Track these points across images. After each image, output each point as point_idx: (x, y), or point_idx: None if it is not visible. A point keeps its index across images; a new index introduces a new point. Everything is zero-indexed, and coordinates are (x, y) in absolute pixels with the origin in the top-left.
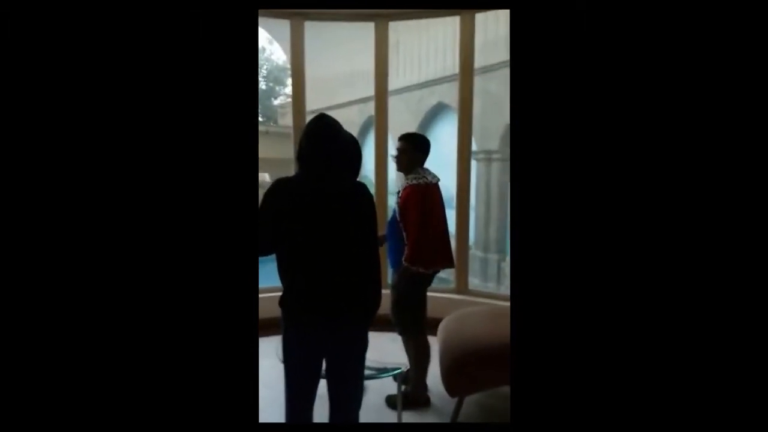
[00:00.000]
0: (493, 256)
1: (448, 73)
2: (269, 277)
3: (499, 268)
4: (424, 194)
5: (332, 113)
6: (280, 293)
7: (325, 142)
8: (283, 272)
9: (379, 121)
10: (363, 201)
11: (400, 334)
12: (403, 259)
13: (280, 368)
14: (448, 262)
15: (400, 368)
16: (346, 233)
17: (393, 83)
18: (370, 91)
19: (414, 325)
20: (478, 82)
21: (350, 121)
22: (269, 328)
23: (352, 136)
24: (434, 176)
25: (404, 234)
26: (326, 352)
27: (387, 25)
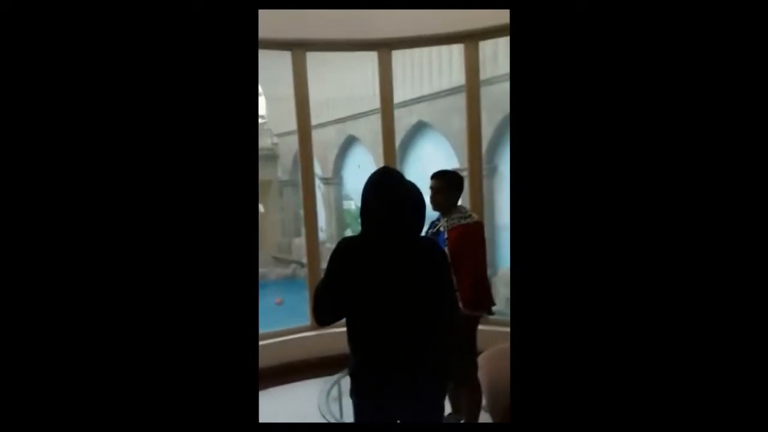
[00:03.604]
0: None
1: (425, 92)
2: (272, 322)
3: None
4: (475, 235)
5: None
6: (286, 338)
7: (392, 197)
8: (355, 341)
9: (387, 157)
10: (437, 259)
11: (456, 382)
12: (461, 304)
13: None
14: (492, 301)
15: (461, 419)
16: (422, 296)
17: (371, 103)
18: (347, 111)
19: (471, 371)
20: (457, 100)
21: (328, 141)
22: (271, 378)
23: (415, 186)
24: (475, 214)
25: (454, 278)
26: (402, 420)
27: (390, 54)
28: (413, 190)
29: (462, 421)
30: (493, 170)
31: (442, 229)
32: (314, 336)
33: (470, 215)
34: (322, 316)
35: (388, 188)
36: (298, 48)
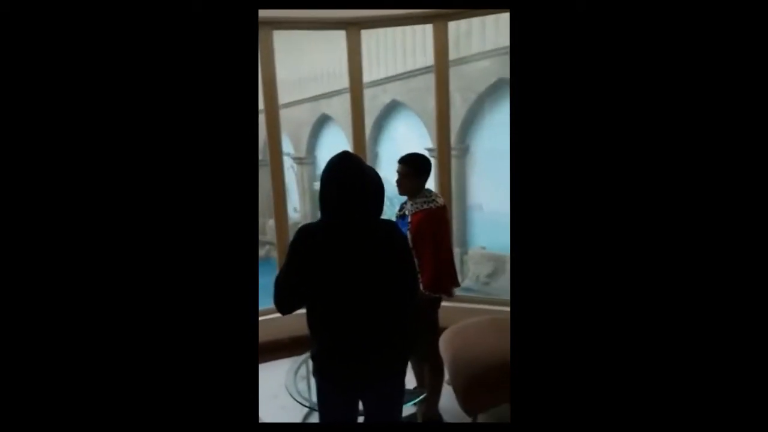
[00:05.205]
0: None
1: (399, 71)
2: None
3: None
4: (437, 219)
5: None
6: (260, 318)
7: (353, 184)
8: (316, 326)
9: (357, 137)
10: (397, 242)
11: (418, 360)
12: (421, 287)
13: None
14: (456, 283)
15: (423, 394)
16: (383, 279)
17: (345, 81)
18: (320, 89)
19: (433, 349)
20: (431, 79)
21: (301, 119)
22: (269, 352)
23: (374, 171)
24: (440, 197)
25: (417, 261)
26: (363, 400)
27: (359, 33)
28: (372, 175)
29: (424, 395)
30: (465, 150)
31: (407, 212)
32: (286, 316)
33: (434, 199)
34: (284, 305)
35: (347, 173)
36: (265, 26)
